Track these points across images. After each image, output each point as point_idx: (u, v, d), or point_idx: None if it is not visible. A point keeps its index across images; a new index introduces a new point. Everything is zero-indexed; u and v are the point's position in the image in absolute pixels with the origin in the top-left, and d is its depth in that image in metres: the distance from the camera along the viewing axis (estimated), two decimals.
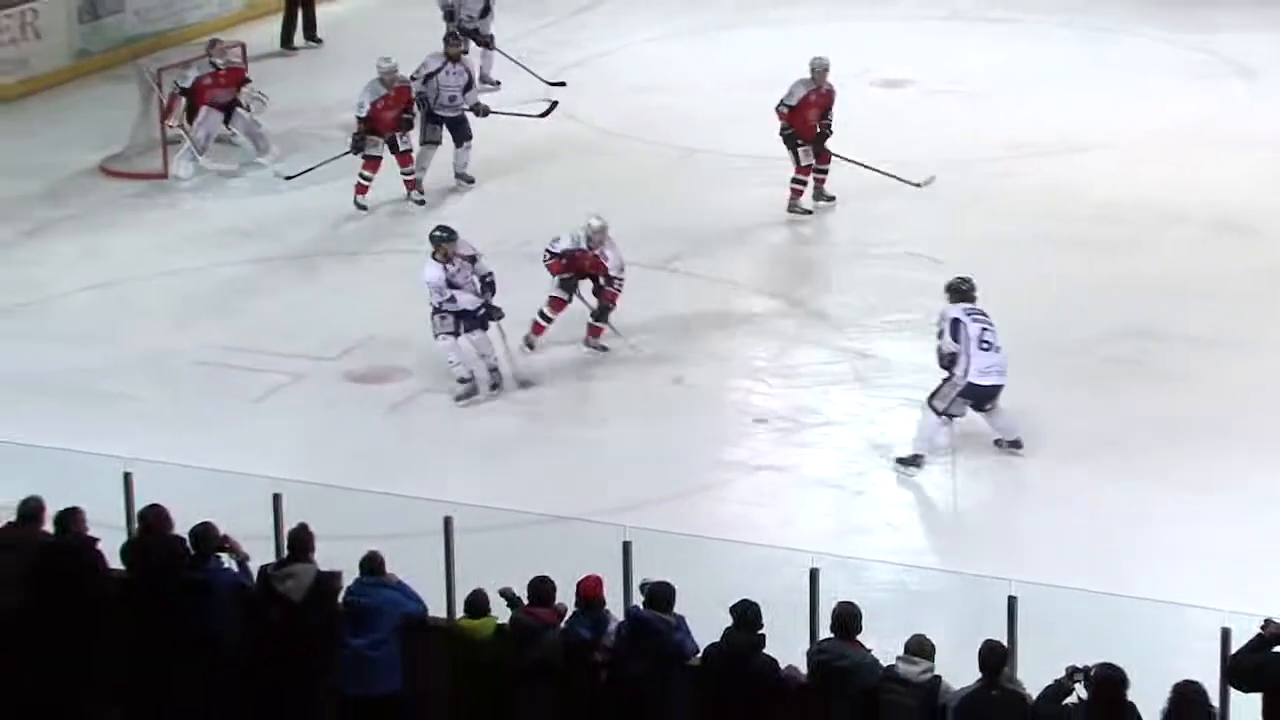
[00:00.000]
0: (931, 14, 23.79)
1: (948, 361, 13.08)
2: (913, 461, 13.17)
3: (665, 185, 18.40)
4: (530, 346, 14.86)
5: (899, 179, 17.39)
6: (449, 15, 21.02)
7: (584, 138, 19.94)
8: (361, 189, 17.89)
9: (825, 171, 17.64)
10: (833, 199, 17.70)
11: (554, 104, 19.65)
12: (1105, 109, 20.13)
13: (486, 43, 21.21)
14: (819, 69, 17.52)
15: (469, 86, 18.41)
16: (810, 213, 17.64)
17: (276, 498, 10.40)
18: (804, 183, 17.57)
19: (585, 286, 14.89)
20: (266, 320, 15.82)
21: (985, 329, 13.03)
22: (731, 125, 19.47)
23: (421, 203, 17.99)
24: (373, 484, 11.86)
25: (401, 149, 17.89)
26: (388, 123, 17.74)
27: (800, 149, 17.44)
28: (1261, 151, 18.65)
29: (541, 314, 14.90)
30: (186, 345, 15.24)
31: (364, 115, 17.65)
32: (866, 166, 17.43)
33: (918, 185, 17.45)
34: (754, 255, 16.07)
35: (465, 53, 18.97)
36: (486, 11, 21.20)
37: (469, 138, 18.30)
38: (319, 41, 23.22)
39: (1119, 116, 19.88)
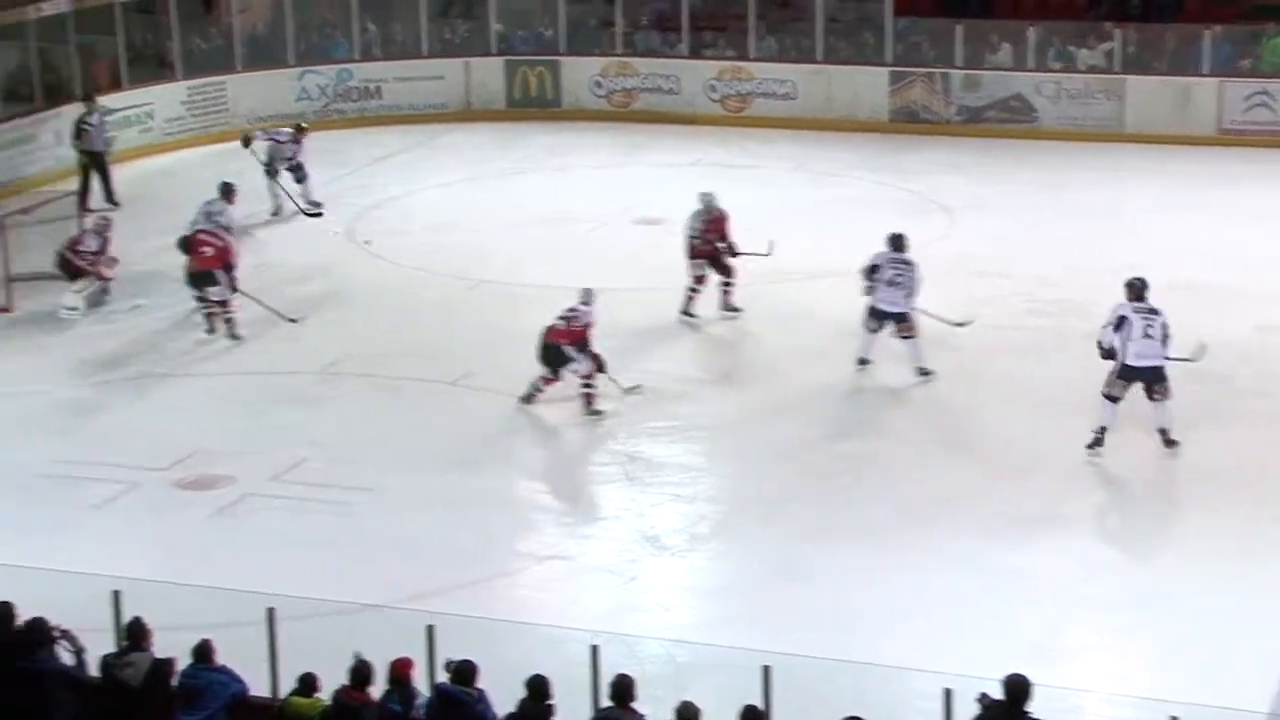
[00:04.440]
0: (681, 161, 24.13)
1: (1107, 353, 14.29)
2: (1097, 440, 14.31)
3: (457, 311, 18.38)
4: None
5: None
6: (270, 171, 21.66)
7: (380, 270, 19.88)
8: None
9: (730, 284, 17.96)
10: (739, 310, 17.98)
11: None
12: (833, 242, 20.42)
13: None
14: (708, 202, 17.95)
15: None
16: (696, 317, 17.84)
17: (116, 594, 10.17)
18: (698, 291, 17.84)
19: None
20: (102, 436, 15.49)
21: (1149, 324, 14.09)
22: (517, 258, 19.53)
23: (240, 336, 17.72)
24: (202, 579, 11.71)
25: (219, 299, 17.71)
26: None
27: (693, 263, 17.81)
28: (962, 274, 19.06)
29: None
30: (28, 459, 14.87)
31: None
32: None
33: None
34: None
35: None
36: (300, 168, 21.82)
37: None
38: (117, 205, 21.88)
39: (844, 248, 20.15)
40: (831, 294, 18.69)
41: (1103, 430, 14.37)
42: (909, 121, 25.73)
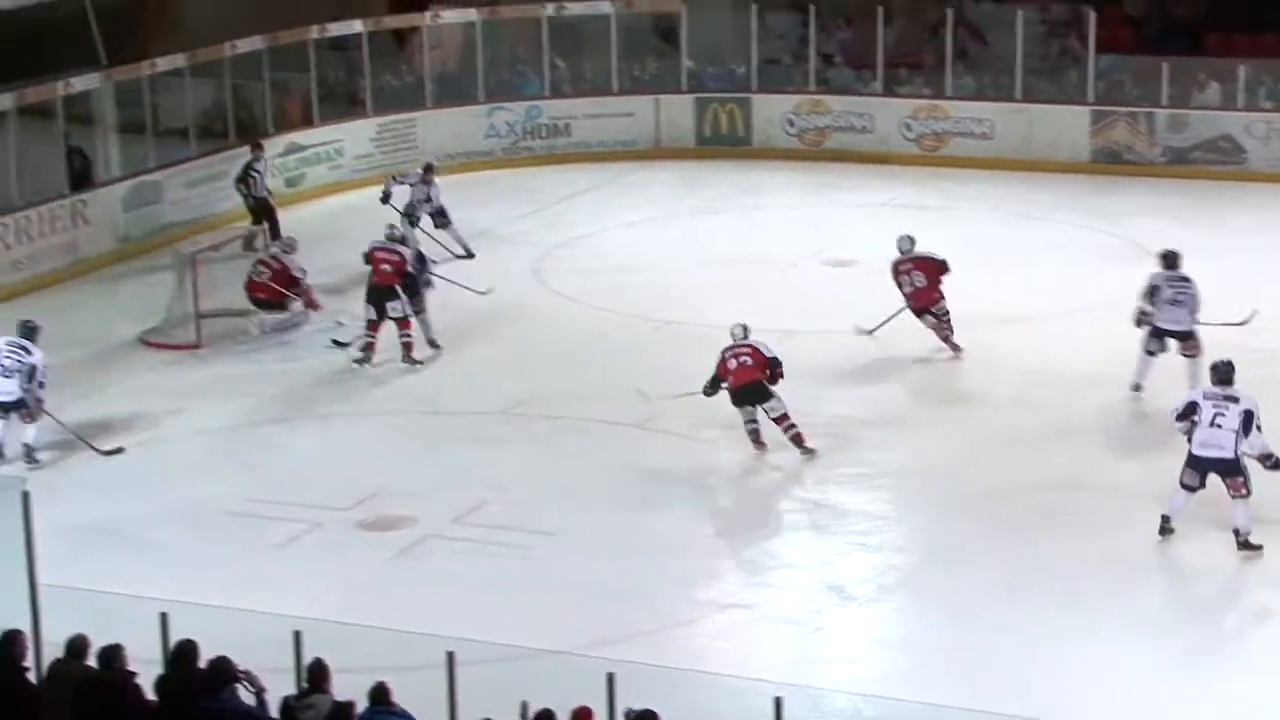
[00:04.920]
0: (874, 200, 24.06)
1: (1185, 436, 13.58)
2: (1165, 527, 13.66)
3: (643, 353, 18.48)
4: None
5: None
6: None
7: (566, 310, 20.09)
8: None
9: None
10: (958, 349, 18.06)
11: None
12: (1030, 286, 20.28)
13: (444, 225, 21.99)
14: (903, 248, 18.06)
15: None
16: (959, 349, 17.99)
17: (297, 635, 10.32)
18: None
19: None
20: (287, 474, 15.79)
21: (1220, 412, 13.33)
22: (706, 299, 19.59)
23: (419, 362, 18.18)
24: (382, 621, 11.86)
25: (398, 315, 18.19)
26: None
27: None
28: None
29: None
30: (216, 496, 15.22)
31: None
32: None
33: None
34: (722, 415, 16.14)
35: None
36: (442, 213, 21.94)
37: None
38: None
39: (1042, 293, 20.05)
40: (1028, 339, 18.58)
41: (1165, 519, 13.66)
42: (1111, 162, 25.42)
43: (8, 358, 15.95)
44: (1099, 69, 25.87)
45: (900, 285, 17.97)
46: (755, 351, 15.66)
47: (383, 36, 26.69)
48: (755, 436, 15.72)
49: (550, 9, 26.71)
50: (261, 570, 13.79)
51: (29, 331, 16.27)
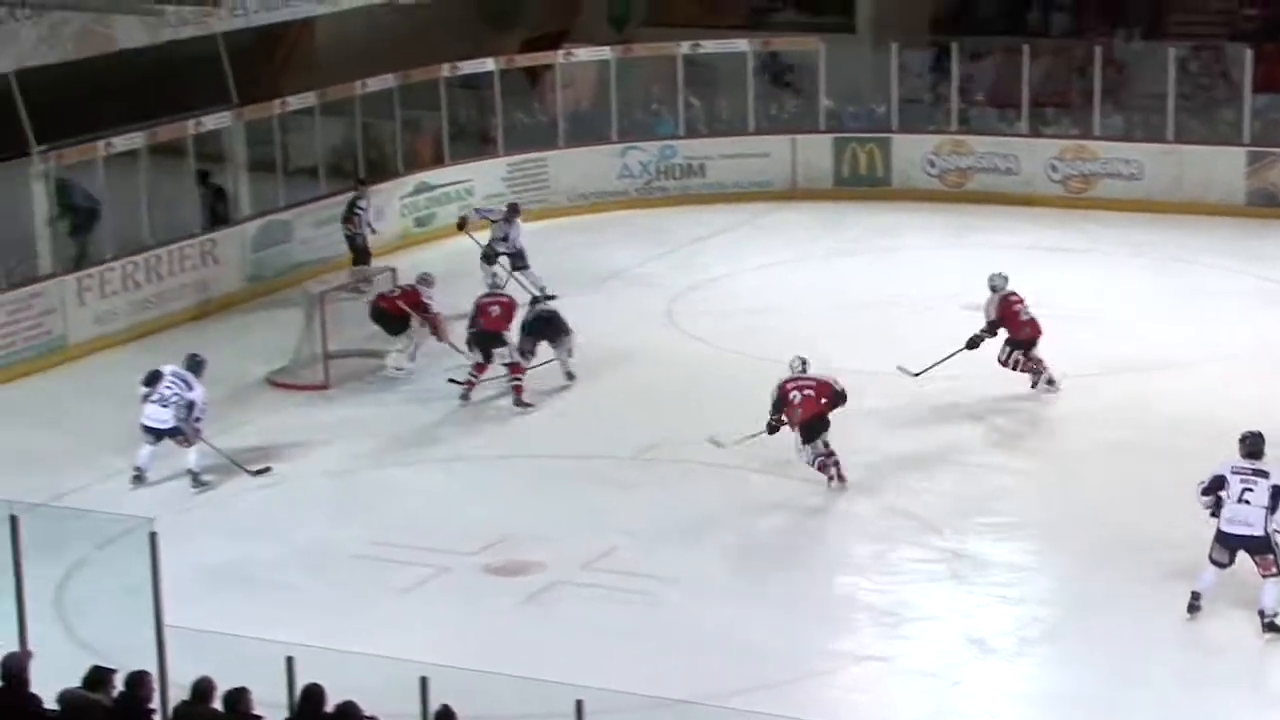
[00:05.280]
0: (1018, 244, 23.86)
1: (1210, 510, 13.18)
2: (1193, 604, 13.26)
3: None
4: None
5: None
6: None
7: (698, 352, 20.14)
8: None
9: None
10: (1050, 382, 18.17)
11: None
12: (1178, 331, 20.09)
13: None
14: (999, 285, 18.25)
15: None
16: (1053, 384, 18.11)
17: (424, 681, 10.36)
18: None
19: None
20: (414, 518, 15.92)
21: (1249, 487, 12.95)
22: (838, 342, 19.54)
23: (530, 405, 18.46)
24: (510, 668, 11.86)
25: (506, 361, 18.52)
26: None
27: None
28: None
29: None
30: (343, 539, 15.40)
31: None
32: None
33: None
34: (857, 461, 16.12)
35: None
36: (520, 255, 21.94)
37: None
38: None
39: (1190, 338, 19.83)
40: (1177, 386, 18.41)
41: (1194, 595, 13.24)
42: (1267, 205, 25.09)
43: (168, 388, 16.54)
44: (1255, 108, 25.56)
45: (1019, 314, 18.01)
46: (819, 385, 15.88)
47: (515, 75, 26.92)
48: (835, 471, 15.85)
49: (686, 47, 26.82)
50: (388, 614, 13.91)
51: (195, 365, 16.93)
